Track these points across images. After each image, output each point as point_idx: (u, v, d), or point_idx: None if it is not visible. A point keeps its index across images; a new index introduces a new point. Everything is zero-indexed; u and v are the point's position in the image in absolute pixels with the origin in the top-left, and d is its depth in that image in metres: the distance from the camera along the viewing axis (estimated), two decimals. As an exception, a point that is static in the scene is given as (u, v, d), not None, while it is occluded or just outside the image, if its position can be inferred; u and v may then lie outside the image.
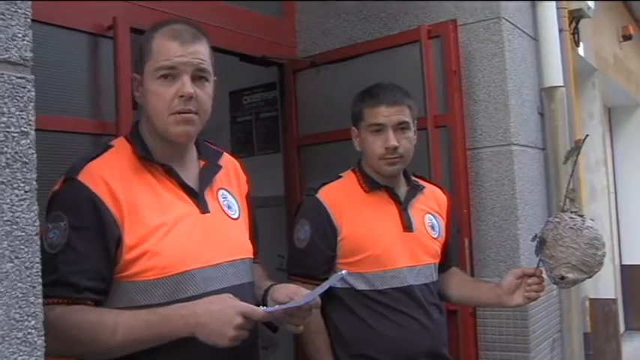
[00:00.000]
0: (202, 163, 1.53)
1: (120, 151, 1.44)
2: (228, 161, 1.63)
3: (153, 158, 1.43)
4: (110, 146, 1.45)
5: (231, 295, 1.34)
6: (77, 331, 1.28)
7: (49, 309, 1.24)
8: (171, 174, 1.43)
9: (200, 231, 1.43)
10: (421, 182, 2.12)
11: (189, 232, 1.41)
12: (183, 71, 1.39)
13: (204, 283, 1.39)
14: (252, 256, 1.57)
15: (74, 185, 1.34)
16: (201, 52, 1.42)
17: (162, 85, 1.38)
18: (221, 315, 1.29)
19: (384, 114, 1.93)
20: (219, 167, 1.56)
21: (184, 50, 1.39)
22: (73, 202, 1.33)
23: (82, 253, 1.31)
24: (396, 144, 1.92)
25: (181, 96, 1.38)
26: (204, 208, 1.46)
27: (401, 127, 1.95)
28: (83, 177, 1.34)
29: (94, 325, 1.29)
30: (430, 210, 2.09)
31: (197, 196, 1.46)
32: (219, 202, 1.52)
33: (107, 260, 1.34)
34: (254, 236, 1.66)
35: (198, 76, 1.41)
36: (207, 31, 1.50)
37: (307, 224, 1.97)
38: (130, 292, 1.35)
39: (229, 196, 1.57)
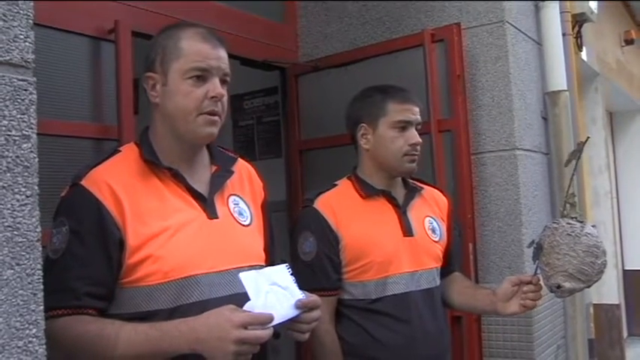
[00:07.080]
0: (214, 168, 1.52)
1: (127, 156, 1.44)
2: (242, 167, 1.61)
3: (159, 162, 1.42)
4: (118, 151, 1.47)
5: (232, 307, 1.25)
6: (79, 344, 1.27)
7: (52, 320, 1.23)
8: (178, 178, 1.42)
9: (206, 236, 1.41)
10: (419, 185, 2.09)
11: (194, 237, 1.39)
12: (213, 74, 1.42)
13: (209, 289, 1.37)
14: (263, 264, 1.53)
15: (77, 190, 1.35)
16: (226, 57, 1.46)
17: (192, 85, 1.40)
18: (217, 329, 1.22)
19: (413, 112, 1.95)
20: (231, 173, 1.54)
21: (215, 54, 1.43)
22: (76, 207, 1.34)
23: (82, 258, 1.31)
24: (420, 140, 1.96)
25: (212, 97, 1.40)
26: (212, 214, 1.44)
27: (418, 127, 1.97)
28: (86, 182, 1.35)
29: (95, 338, 1.27)
30: (430, 213, 2.05)
31: (205, 201, 1.44)
32: (229, 208, 1.50)
33: (109, 265, 1.32)
34: (270, 244, 1.63)
35: (222, 80, 1.44)
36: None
37: (311, 235, 1.92)
38: (134, 298, 1.34)
39: (241, 202, 1.55)
